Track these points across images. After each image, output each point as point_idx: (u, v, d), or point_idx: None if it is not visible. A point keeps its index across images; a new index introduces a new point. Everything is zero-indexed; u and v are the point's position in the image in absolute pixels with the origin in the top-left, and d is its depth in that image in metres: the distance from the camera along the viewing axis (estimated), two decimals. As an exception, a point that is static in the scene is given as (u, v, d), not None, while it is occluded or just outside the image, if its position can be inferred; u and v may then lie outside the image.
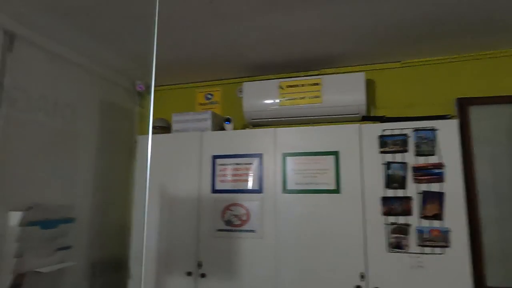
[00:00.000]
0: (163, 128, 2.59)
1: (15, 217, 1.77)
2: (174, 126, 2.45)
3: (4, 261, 1.73)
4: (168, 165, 2.33)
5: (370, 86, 2.44)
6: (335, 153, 2.05)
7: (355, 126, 2.05)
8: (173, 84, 2.94)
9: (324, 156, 2.07)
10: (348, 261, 1.93)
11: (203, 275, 2.13)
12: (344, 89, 2.23)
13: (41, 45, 2.04)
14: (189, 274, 2.15)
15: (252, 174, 2.17)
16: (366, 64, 2.47)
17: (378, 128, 2.01)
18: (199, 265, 2.15)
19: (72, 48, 2.22)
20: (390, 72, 2.43)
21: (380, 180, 1.96)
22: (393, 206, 1.92)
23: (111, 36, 2.06)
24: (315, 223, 2.01)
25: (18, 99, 1.90)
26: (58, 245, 1.97)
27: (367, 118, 2.19)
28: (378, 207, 1.94)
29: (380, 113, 2.37)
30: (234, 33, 2.01)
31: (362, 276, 1.90)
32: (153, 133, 2.57)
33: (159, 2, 1.67)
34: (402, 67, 2.41)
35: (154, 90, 3.01)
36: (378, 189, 1.96)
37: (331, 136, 2.07)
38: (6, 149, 1.81)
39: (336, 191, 2.01)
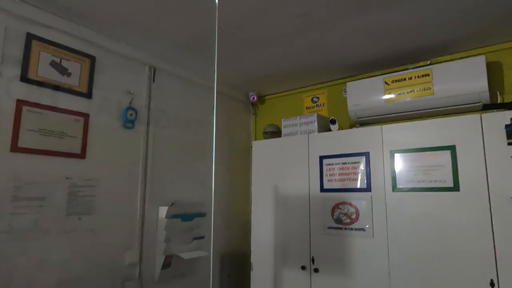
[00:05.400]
0: (274, 133, 2.83)
1: (163, 211, 2.28)
2: (284, 131, 2.66)
3: (158, 245, 2.24)
4: (280, 167, 2.54)
5: (493, 70, 2.13)
6: (451, 148, 1.89)
7: (474, 117, 1.85)
8: (282, 92, 3.16)
9: (437, 152, 1.93)
10: (474, 266, 1.76)
11: (316, 270, 2.25)
12: (460, 77, 2.03)
13: (174, 73, 2.54)
14: (303, 268, 2.30)
15: (359, 173, 2.18)
16: (485, 46, 2.17)
17: (504, 117, 1.77)
18: (312, 260, 2.28)
19: (197, 72, 2.68)
20: (521, 50, 2.09)
21: (509, 175, 1.72)
22: (528, 205, 1.66)
23: (227, 59, 2.41)
24: (431, 223, 1.90)
25: (160, 119, 2.42)
26: (194, 234, 2.40)
27: (490, 106, 1.94)
28: (508, 206, 1.71)
29: (507, 99, 2.05)
30: (333, 37, 2.08)
31: (492, 284, 1.70)
32: (264, 138, 2.84)
33: (256, 19, 1.89)
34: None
35: (266, 99, 3.30)
36: (507, 185, 1.72)
37: (445, 130, 1.92)
38: (155, 159, 2.34)
39: (455, 188, 1.85)
